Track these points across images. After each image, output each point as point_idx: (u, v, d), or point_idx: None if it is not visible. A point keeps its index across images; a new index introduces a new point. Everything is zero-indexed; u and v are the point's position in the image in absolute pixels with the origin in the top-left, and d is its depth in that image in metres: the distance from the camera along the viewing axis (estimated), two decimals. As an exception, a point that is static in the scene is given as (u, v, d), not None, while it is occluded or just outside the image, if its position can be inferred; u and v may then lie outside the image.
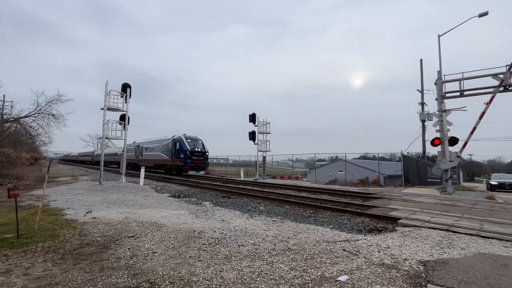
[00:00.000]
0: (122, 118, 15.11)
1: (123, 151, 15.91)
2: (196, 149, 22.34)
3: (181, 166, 21.87)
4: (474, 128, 13.24)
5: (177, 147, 22.26)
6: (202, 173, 23.63)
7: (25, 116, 21.98)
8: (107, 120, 14.58)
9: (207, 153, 23.52)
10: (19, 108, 23.75)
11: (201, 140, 23.72)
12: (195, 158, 21.84)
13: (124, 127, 15.04)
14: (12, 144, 18.66)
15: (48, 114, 22.27)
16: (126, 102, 15.04)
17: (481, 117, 12.99)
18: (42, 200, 5.57)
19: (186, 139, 22.45)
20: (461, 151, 14.46)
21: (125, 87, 15.06)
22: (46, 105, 21.88)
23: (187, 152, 21.52)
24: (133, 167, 30.68)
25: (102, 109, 14.46)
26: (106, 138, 14.85)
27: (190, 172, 22.77)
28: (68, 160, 71.07)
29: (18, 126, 22.78)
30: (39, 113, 22.07)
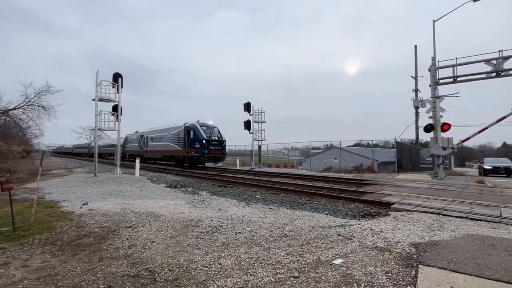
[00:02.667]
0: (115, 109, 14.87)
1: (117, 142, 15.74)
2: (213, 138, 20.05)
3: (196, 157, 19.43)
4: (485, 128, 13.48)
5: (191, 136, 19.76)
6: (220, 164, 21.65)
7: (14, 108, 21.45)
8: (99, 111, 14.34)
9: (224, 142, 20.96)
10: (7, 100, 23.04)
11: (217, 128, 21.39)
12: (212, 148, 19.47)
13: (117, 118, 14.83)
14: (2, 137, 18.31)
15: (38, 106, 21.77)
16: (118, 93, 14.75)
17: (498, 121, 13.08)
18: (37, 193, 5.53)
19: (201, 126, 20.03)
20: (458, 144, 14.77)
21: (117, 77, 14.73)
22: (35, 96, 21.36)
23: (203, 141, 19.11)
24: (135, 160, 29.19)
25: (93, 100, 14.18)
26: (99, 129, 14.64)
27: (207, 164, 20.85)
28: (62, 152, 69.86)
29: (7, 119, 22.23)
30: (28, 105, 21.56)
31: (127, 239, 4.02)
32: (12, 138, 20.55)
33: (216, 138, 20.36)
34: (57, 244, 3.85)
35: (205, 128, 20.20)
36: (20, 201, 7.42)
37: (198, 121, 20.73)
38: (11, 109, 21.45)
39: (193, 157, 19.74)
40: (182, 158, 21.18)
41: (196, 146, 19.37)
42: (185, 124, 21.02)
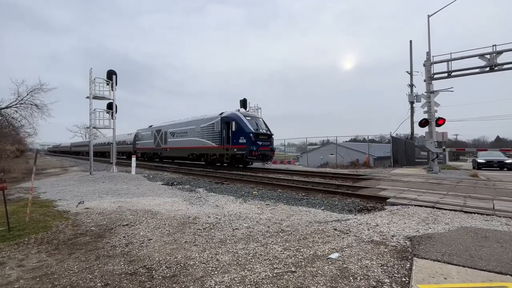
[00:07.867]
0: (109, 106, 14.75)
1: (113, 140, 15.61)
2: (261, 131, 15.89)
3: (240, 155, 15.29)
4: (486, 150, 15.54)
5: (233, 129, 15.63)
6: (269, 163, 18.33)
7: (6, 107, 21.15)
8: (94, 109, 14.20)
9: (273, 136, 16.97)
10: (-1, 99, 22.72)
11: (262, 118, 17.48)
12: (260, 143, 15.27)
13: (112, 115, 14.70)
14: (-5, 136, 18.04)
15: (31, 104, 21.53)
16: (112, 90, 14.61)
17: (502, 151, 14.95)
18: (31, 192, 5.47)
19: (245, 116, 15.98)
20: (449, 148, 15.82)
21: (111, 74, 14.58)
22: (28, 94, 21.11)
23: (250, 135, 14.94)
24: (150, 158, 24.87)
25: (87, 97, 14.03)
26: (94, 127, 14.50)
27: (255, 164, 17.31)
28: (60, 151, 68.86)
29: (0, 118, 21.93)
30: (21, 104, 21.30)
31: (124, 237, 4.01)
32: (5, 137, 20.27)
33: (264, 131, 16.17)
34: (53, 243, 3.82)
35: (249, 118, 16.05)
36: (15, 200, 7.35)
37: (239, 110, 16.87)
38: (4, 108, 21.14)
39: (236, 155, 15.59)
40: (219, 156, 16.89)
41: (240, 141, 15.25)
42: (221, 114, 16.75)
